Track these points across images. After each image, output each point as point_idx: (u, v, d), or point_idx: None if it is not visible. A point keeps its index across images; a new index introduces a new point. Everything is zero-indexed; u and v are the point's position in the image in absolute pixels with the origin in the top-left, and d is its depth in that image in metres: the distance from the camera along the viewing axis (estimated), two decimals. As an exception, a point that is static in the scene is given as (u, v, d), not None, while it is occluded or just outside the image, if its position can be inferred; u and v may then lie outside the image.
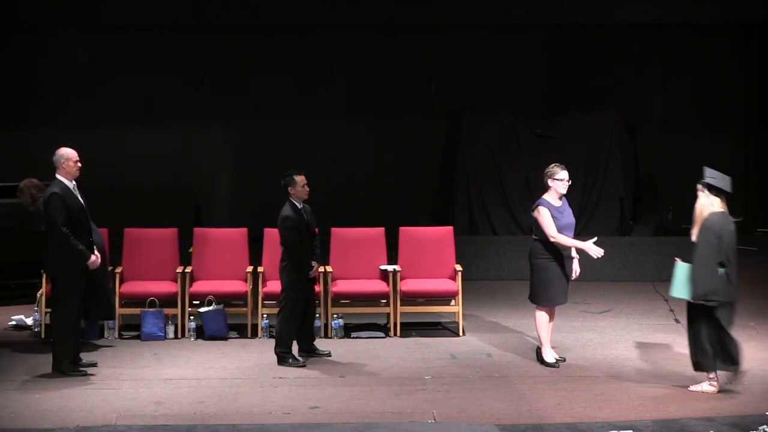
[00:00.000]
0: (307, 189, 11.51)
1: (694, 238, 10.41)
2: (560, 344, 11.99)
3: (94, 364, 11.24)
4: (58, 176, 11.03)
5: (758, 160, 19.86)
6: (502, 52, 19.31)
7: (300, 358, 11.49)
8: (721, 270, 10.29)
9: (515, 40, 19.34)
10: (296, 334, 11.61)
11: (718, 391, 10.41)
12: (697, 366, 10.50)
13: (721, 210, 10.41)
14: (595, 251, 11.22)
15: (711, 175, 10.51)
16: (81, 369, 11.03)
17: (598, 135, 17.11)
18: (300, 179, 11.47)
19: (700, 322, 10.40)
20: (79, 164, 11.11)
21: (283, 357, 11.44)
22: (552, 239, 11.24)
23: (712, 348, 10.38)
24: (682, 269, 10.46)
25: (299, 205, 11.49)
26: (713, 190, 10.43)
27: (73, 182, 11.06)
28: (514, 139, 17.19)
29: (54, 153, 11.04)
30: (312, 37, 19.21)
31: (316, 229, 11.83)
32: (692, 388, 10.53)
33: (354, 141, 19.15)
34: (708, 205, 10.40)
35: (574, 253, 11.47)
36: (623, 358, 11.72)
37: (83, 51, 19.03)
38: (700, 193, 10.47)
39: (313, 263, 11.60)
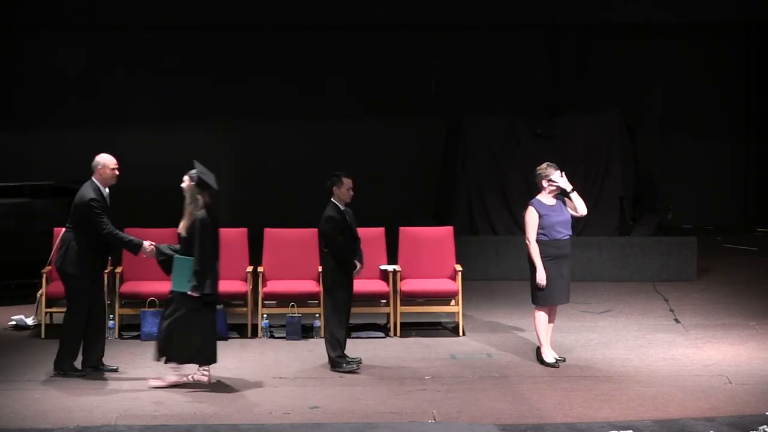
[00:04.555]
0: (352, 192, 11.48)
1: (183, 231, 10.77)
2: (560, 344, 11.98)
3: (114, 369, 11.22)
4: (94, 179, 11.10)
5: (758, 160, 19.84)
6: (502, 52, 19.30)
7: (354, 361, 11.35)
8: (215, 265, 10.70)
9: (515, 40, 19.32)
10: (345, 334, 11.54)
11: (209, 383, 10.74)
12: (170, 357, 10.72)
13: (208, 204, 10.78)
14: (540, 281, 11.29)
15: (201, 170, 10.79)
16: (102, 369, 11.08)
17: (598, 135, 17.09)
18: (347, 181, 11.45)
19: (191, 314, 10.61)
20: (116, 172, 11.19)
21: (337, 362, 11.32)
22: (526, 242, 11.31)
23: (193, 341, 10.66)
24: (182, 263, 10.68)
25: (342, 207, 11.49)
26: (202, 185, 10.74)
27: (107, 189, 11.13)
28: (514, 139, 17.16)
29: (93, 159, 11.15)
30: (312, 37, 19.19)
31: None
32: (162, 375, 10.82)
33: (354, 141, 19.12)
34: (198, 199, 10.74)
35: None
36: (623, 358, 11.71)
37: (82, 51, 19.00)
38: (186, 186, 10.82)
39: (356, 263, 11.53)
